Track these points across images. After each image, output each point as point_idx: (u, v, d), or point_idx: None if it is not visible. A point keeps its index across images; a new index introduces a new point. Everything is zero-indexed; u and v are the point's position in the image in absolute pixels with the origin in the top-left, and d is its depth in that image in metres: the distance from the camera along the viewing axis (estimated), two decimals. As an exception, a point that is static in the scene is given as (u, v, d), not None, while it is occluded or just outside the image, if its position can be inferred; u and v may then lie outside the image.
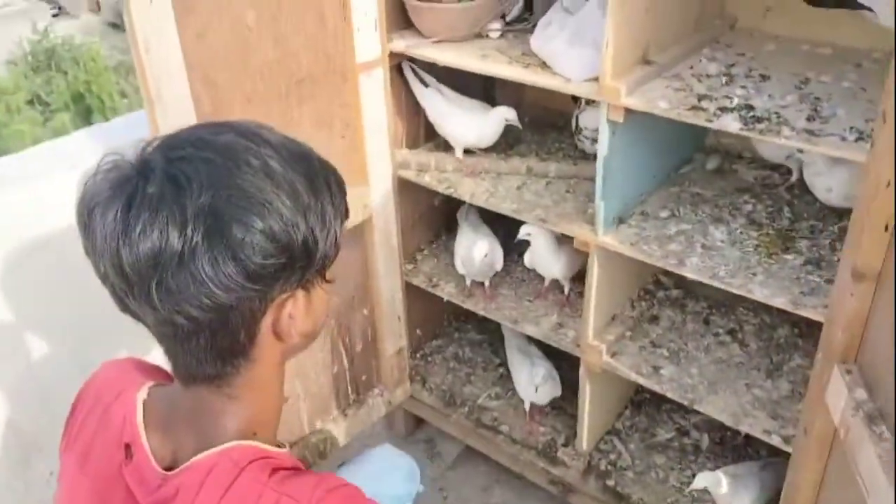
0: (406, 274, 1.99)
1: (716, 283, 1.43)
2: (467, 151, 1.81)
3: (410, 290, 2.01)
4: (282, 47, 1.49)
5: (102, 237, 0.71)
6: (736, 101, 1.34)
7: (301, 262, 0.76)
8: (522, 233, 1.70)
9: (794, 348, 1.68)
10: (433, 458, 2.17)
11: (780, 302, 1.36)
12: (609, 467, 1.86)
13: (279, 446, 0.88)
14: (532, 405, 1.95)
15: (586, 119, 1.78)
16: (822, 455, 1.25)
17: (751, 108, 1.32)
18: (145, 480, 0.82)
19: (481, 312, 1.87)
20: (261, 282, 0.73)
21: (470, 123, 1.76)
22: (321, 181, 0.79)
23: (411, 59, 1.74)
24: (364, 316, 1.96)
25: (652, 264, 1.48)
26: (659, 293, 1.86)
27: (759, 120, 1.28)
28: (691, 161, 1.82)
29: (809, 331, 1.71)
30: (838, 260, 1.43)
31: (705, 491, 1.64)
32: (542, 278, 1.89)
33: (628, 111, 1.39)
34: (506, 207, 1.68)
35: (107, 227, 0.70)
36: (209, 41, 1.34)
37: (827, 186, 1.51)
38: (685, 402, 1.57)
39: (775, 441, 1.46)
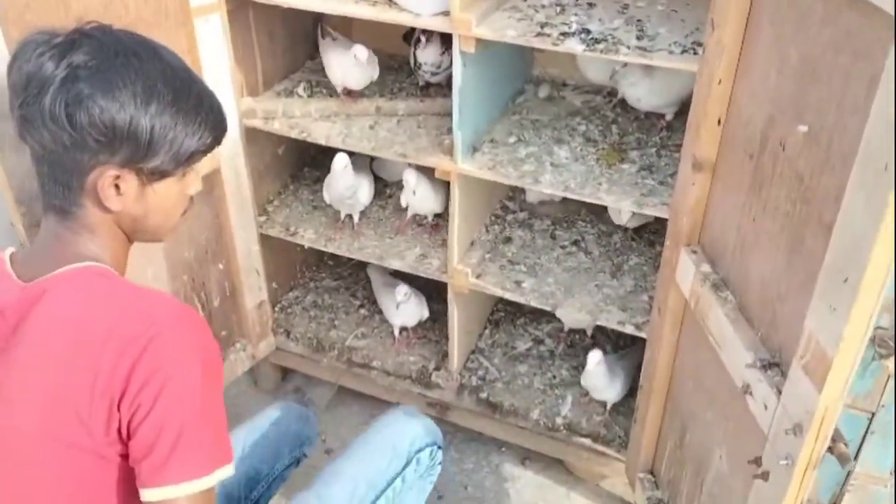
0: (261, 225, 1.97)
1: (569, 195, 1.58)
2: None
3: (266, 241, 2.00)
4: (107, -11, 1.41)
5: (21, 62, 0.91)
6: (574, 26, 1.48)
7: (127, 148, 0.92)
8: (407, 179, 1.76)
9: (629, 250, 1.89)
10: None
11: (626, 205, 1.54)
12: (479, 382, 1.99)
13: None
14: (402, 330, 2.05)
15: (425, 55, 1.85)
16: (675, 327, 1.45)
17: (588, 31, 1.46)
18: (10, 291, 0.95)
19: (346, 254, 1.91)
20: (80, 139, 0.90)
21: (341, 65, 1.79)
22: (188, 102, 0.95)
23: (250, 6, 1.71)
24: (220, 270, 1.92)
25: (500, 189, 1.61)
26: (508, 217, 2.00)
27: (597, 41, 1.43)
28: (524, 92, 1.96)
29: (638, 233, 1.94)
30: (665, 164, 1.65)
31: (569, 385, 1.83)
32: (399, 215, 1.97)
33: (479, 41, 1.49)
34: (364, 147, 1.72)
35: (28, 55, 0.91)
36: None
37: (637, 96, 1.71)
38: (548, 308, 1.73)
39: (629, 329, 1.66)
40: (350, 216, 1.97)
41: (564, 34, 1.46)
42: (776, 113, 1.07)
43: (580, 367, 2.01)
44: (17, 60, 0.92)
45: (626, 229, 1.92)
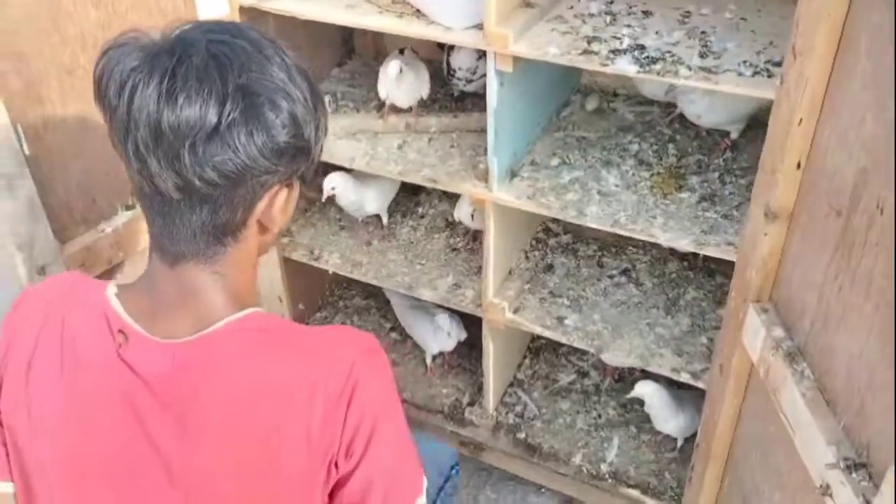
0: (284, 248, 1.84)
1: (618, 230, 1.40)
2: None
3: (289, 264, 1.87)
4: (105, 8, 1.30)
5: (143, 100, 0.75)
6: (626, 41, 1.29)
7: (304, 154, 0.84)
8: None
9: (686, 282, 1.70)
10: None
11: (684, 244, 1.35)
12: (517, 420, 1.84)
13: None
14: (436, 357, 1.92)
15: (459, 59, 1.67)
16: (739, 392, 1.27)
17: (642, 48, 1.27)
18: (153, 355, 0.83)
19: (373, 282, 1.77)
20: (281, 159, 0.80)
21: (383, 82, 1.65)
22: (320, 93, 0.87)
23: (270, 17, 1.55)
24: (242, 299, 1.80)
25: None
26: (550, 241, 1.83)
27: (653, 61, 1.23)
28: (569, 103, 1.77)
29: (696, 262, 1.74)
30: (730, 194, 1.46)
31: (616, 426, 1.67)
32: (431, 238, 1.82)
33: (517, 59, 1.31)
34: (390, 170, 1.57)
35: (150, 93, 0.75)
36: (7, 8, 1.14)
37: (697, 113, 1.52)
38: (593, 350, 1.56)
39: (684, 377, 1.48)
40: (378, 216, 1.84)
41: (615, 51, 1.27)
42: (871, 166, 0.87)
43: (628, 406, 1.85)
44: (157, 103, 0.75)
45: (682, 257, 1.73)
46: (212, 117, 0.75)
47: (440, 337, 1.83)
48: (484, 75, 1.68)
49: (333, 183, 1.66)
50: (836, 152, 0.95)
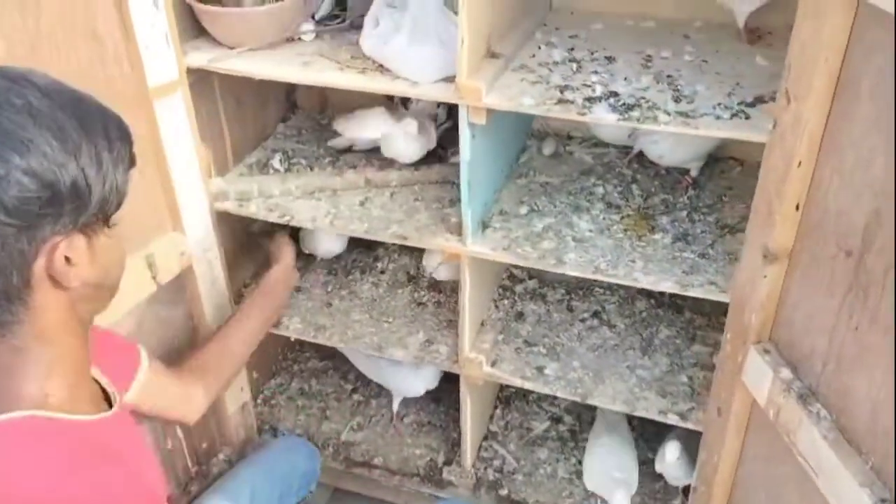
0: (238, 317, 1.73)
1: (599, 277, 1.38)
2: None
3: (244, 333, 1.76)
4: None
5: None
6: (598, 88, 1.28)
7: (71, 205, 0.76)
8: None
9: (657, 320, 1.70)
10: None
11: (667, 287, 1.34)
12: (497, 475, 1.78)
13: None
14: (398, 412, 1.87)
15: (418, 110, 1.64)
16: (740, 432, 1.26)
17: (616, 94, 1.26)
18: None
19: (338, 345, 1.68)
20: (22, 218, 0.72)
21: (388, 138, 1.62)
22: (97, 125, 0.78)
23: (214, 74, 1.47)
24: (196, 375, 1.67)
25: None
26: (517, 287, 1.79)
27: (630, 108, 1.22)
28: (527, 148, 1.76)
29: (663, 299, 1.75)
30: (701, 232, 1.46)
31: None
32: (394, 294, 1.76)
33: (489, 111, 1.28)
34: (356, 229, 1.50)
35: None
36: None
37: (659, 153, 1.54)
38: (577, 399, 1.52)
39: (672, 420, 1.47)
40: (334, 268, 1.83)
41: (590, 99, 1.25)
42: (885, 207, 0.88)
43: (606, 448, 1.81)
44: None
45: (649, 294, 1.73)
46: None
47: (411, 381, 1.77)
48: (443, 124, 1.67)
49: None
50: (841, 194, 0.95)
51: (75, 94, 0.79)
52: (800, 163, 0.99)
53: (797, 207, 1.03)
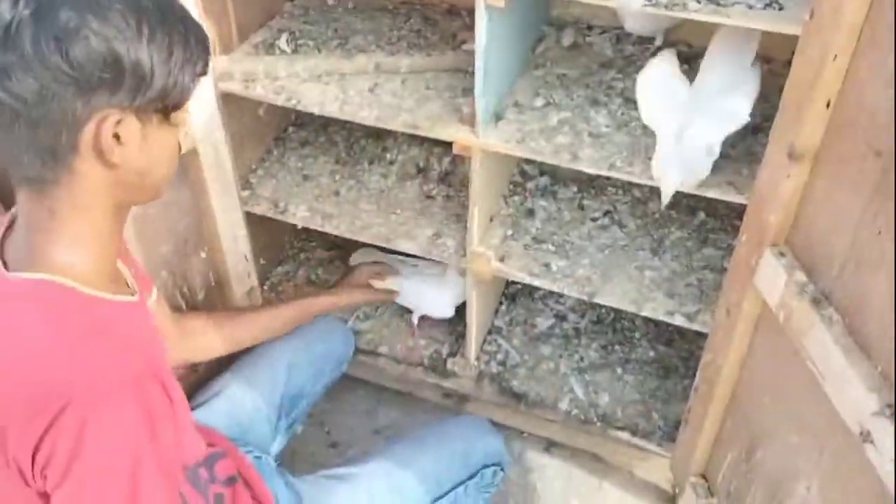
0: (245, 202, 1.71)
1: (615, 174, 1.34)
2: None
3: (251, 219, 1.74)
4: None
5: None
6: (627, -29, 1.20)
7: (132, 82, 0.77)
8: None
9: (669, 221, 1.67)
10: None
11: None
12: (500, 368, 1.80)
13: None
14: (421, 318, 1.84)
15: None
16: (748, 333, 1.25)
17: (644, -22, 1.19)
18: None
19: (347, 235, 1.66)
20: (82, 76, 0.74)
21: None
22: (177, 24, 0.80)
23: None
24: (202, 259, 1.67)
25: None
26: (528, 184, 1.75)
27: (659, -7, 1.15)
28: (544, 37, 1.68)
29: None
30: (723, 131, 1.40)
31: (599, 368, 1.64)
32: (403, 186, 1.72)
33: (509, -8, 1.21)
34: (366, 116, 1.45)
35: None
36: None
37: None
38: (584, 297, 1.51)
39: (678, 321, 1.46)
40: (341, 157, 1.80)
41: (618, -17, 1.18)
42: (924, 104, 0.83)
43: (609, 346, 1.84)
44: None
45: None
46: (4, 14, 0.71)
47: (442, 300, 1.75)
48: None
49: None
50: (877, 90, 0.90)
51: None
52: (835, 56, 0.94)
53: (828, 105, 0.98)
